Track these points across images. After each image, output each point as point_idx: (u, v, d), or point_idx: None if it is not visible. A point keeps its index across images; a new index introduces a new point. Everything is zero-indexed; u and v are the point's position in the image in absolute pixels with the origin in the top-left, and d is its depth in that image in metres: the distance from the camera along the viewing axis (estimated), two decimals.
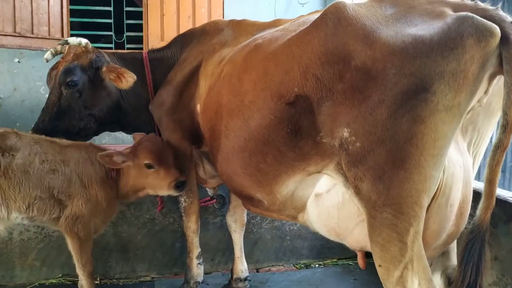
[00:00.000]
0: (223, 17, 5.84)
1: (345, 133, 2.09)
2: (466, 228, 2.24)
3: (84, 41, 3.50)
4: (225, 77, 2.79)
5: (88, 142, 3.53)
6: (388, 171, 2.00)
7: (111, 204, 3.27)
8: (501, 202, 2.82)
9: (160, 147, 3.26)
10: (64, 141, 3.26)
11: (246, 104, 2.50)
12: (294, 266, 4.53)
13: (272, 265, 4.54)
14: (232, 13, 5.89)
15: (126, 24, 5.90)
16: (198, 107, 3.26)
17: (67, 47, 3.59)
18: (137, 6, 6.11)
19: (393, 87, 1.95)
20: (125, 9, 5.90)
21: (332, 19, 2.16)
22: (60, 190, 3.06)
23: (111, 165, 3.16)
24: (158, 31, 5.63)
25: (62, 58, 3.59)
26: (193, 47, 3.52)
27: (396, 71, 1.95)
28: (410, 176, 1.98)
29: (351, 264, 4.52)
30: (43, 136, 3.23)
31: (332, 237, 2.56)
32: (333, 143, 2.17)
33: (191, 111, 3.29)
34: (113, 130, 3.99)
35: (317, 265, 4.55)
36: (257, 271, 4.44)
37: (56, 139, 3.26)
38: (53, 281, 4.07)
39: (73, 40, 3.50)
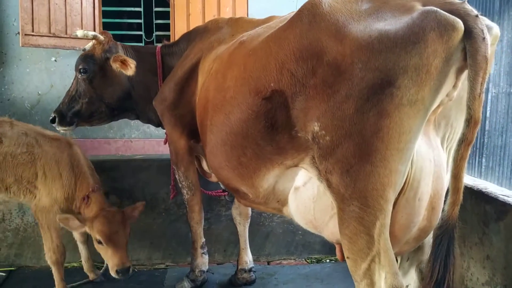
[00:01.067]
0: (248, 16, 5.95)
1: (316, 127, 2.14)
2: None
3: (91, 33, 3.80)
4: (213, 74, 2.90)
5: (70, 137, 3.82)
6: (355, 165, 2.03)
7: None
8: (491, 199, 2.75)
9: (116, 226, 3.37)
10: (50, 134, 3.57)
11: (227, 99, 2.59)
12: (306, 261, 4.58)
13: (284, 259, 4.61)
14: (256, 11, 5.99)
15: (155, 24, 6.13)
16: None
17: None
18: (165, 6, 6.34)
19: (360, 82, 1.98)
20: (154, 10, 6.13)
21: (307, 15, 2.21)
22: (29, 181, 3.38)
23: (68, 227, 3.44)
24: (184, 30, 5.78)
25: None
26: (195, 44, 3.66)
27: (362, 66, 1.97)
28: (376, 169, 2.00)
29: None
30: (36, 127, 3.57)
31: (310, 229, 2.60)
32: (307, 137, 2.22)
33: (192, 107, 3.42)
34: (129, 117, 4.24)
35: (328, 260, 4.58)
36: (268, 264, 4.53)
37: (46, 131, 3.58)
38: (75, 264, 4.36)
39: (80, 33, 3.80)
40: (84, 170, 3.56)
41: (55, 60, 5.69)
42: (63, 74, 5.75)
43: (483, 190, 2.89)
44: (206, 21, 5.82)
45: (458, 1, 1.99)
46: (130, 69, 3.62)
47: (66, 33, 5.45)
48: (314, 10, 2.19)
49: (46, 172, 3.38)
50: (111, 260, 3.35)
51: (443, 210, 2.05)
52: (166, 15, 6.04)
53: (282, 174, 2.51)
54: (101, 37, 3.83)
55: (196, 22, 5.85)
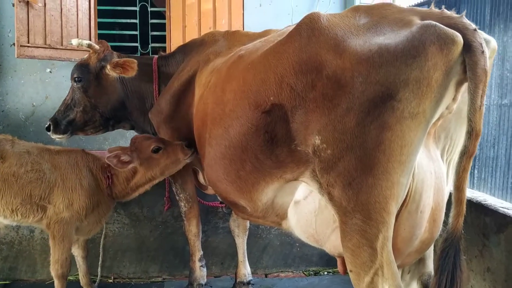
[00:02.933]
0: (243, 28, 5.96)
1: (317, 141, 2.13)
2: (440, 236, 2.25)
3: (85, 42, 3.82)
4: (211, 87, 2.89)
5: (80, 148, 3.76)
6: (357, 178, 2.03)
7: (101, 206, 3.47)
8: (491, 211, 2.76)
9: (149, 136, 3.52)
10: (56, 148, 3.50)
11: (227, 112, 2.58)
12: (303, 273, 4.56)
13: (281, 271, 4.59)
14: (252, 24, 6.00)
15: (151, 35, 6.13)
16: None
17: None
18: (161, 18, 6.35)
19: (360, 95, 1.99)
20: (150, 21, 6.14)
21: (306, 30, 2.22)
22: (42, 196, 3.28)
23: (119, 166, 3.32)
24: (180, 42, 5.80)
25: None
26: (192, 57, 3.67)
27: (363, 79, 1.98)
28: (378, 182, 2.00)
29: None
30: (38, 144, 3.50)
31: (311, 243, 2.59)
32: (307, 150, 2.21)
33: (189, 119, 3.42)
34: (125, 128, 4.22)
35: (326, 273, 4.56)
36: (266, 277, 4.50)
37: (50, 147, 3.51)
38: (71, 278, 4.29)
39: (75, 41, 3.82)
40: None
41: (50, 72, 5.65)
42: (58, 86, 5.70)
43: (483, 202, 2.90)
44: (202, 33, 5.85)
45: (456, 15, 2.02)
46: (132, 70, 3.61)
47: (62, 45, 5.41)
48: (312, 25, 2.21)
49: (63, 184, 3.32)
50: (175, 149, 3.39)
51: (447, 223, 2.04)
52: (162, 27, 6.04)
53: (281, 188, 2.50)
54: (96, 46, 3.83)
55: (192, 34, 5.86)
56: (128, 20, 6.11)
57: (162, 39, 6.18)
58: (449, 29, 1.89)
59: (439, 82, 1.91)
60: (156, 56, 4.01)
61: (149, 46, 6.11)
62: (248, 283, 3.97)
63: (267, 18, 6.11)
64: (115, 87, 3.82)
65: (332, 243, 2.43)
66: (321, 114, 2.11)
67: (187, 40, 5.83)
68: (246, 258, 4.03)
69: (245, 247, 4.03)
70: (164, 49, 6.04)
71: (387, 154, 1.98)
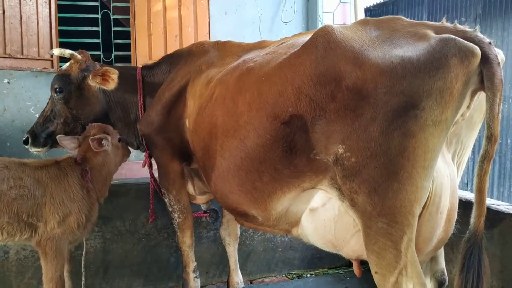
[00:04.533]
0: (209, 36, 5.98)
1: (340, 149, 2.21)
2: (453, 234, 2.41)
3: (67, 51, 3.68)
4: (218, 99, 2.88)
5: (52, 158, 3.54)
6: (383, 184, 2.12)
7: (91, 210, 3.37)
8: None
9: (105, 125, 3.61)
10: (35, 162, 3.31)
11: (241, 124, 2.59)
12: (287, 277, 4.64)
13: (265, 276, 4.65)
14: (218, 32, 6.04)
15: (114, 43, 5.97)
16: (188, 126, 3.36)
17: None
18: (122, 26, 6.22)
19: (384, 105, 2.08)
20: (112, 29, 5.98)
21: (322, 42, 2.27)
22: (30, 214, 3.09)
23: (98, 148, 3.34)
24: (146, 50, 5.74)
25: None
26: (180, 68, 3.63)
27: (387, 90, 2.07)
28: (403, 187, 2.10)
29: (341, 273, 4.65)
30: (14, 159, 3.27)
31: (328, 248, 2.66)
32: (327, 159, 2.28)
33: (180, 130, 3.40)
34: None
35: (308, 275, 4.67)
36: (251, 283, 4.53)
37: (27, 161, 3.30)
38: None
39: (57, 51, 3.70)
40: None
41: (8, 82, 5.34)
42: (17, 97, 5.40)
43: (473, 200, 3.11)
44: (168, 41, 5.82)
45: (470, 29, 2.18)
46: (112, 82, 3.54)
47: (22, 54, 5.16)
48: (328, 37, 2.27)
49: (51, 199, 3.15)
50: (123, 145, 3.67)
51: (469, 223, 2.17)
52: (125, 35, 5.92)
53: (297, 196, 2.55)
54: (78, 56, 3.70)
55: (158, 42, 5.79)
56: (90, 28, 5.91)
57: (125, 47, 6.05)
58: (469, 43, 2.04)
59: (460, 91, 2.05)
60: (139, 67, 3.92)
61: (112, 54, 5.95)
62: None
63: (233, 26, 6.17)
64: (98, 98, 3.70)
65: (351, 247, 2.52)
66: (344, 124, 2.19)
67: (153, 48, 5.78)
68: (238, 266, 4.04)
69: (237, 255, 4.04)
70: (128, 57, 5.91)
71: (412, 160, 2.09)
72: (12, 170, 3.11)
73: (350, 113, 2.17)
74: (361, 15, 5.93)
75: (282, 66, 2.47)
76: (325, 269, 4.76)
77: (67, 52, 3.65)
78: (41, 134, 3.69)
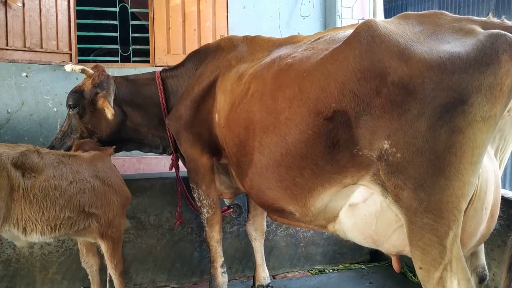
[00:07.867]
0: (228, 30, 5.96)
1: (386, 145, 2.20)
2: (494, 231, 2.41)
3: (78, 67, 3.71)
4: (254, 95, 2.85)
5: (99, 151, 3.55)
6: (429, 179, 2.11)
7: None
8: None
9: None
10: (86, 155, 3.32)
11: (282, 121, 2.58)
12: (309, 272, 4.64)
13: (288, 272, 4.64)
14: (236, 26, 6.02)
15: (132, 37, 5.95)
16: (217, 121, 3.35)
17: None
18: (141, 20, 6.20)
19: (432, 100, 2.07)
20: (130, 23, 5.95)
21: (365, 37, 2.26)
22: (91, 205, 3.06)
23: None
24: (164, 45, 5.72)
25: None
26: (208, 62, 3.62)
27: (435, 85, 2.06)
28: (451, 183, 2.09)
29: (364, 268, 4.66)
30: (66, 153, 3.29)
31: (367, 244, 2.65)
32: (371, 154, 2.27)
33: (209, 124, 3.40)
34: (128, 149, 4.10)
35: (330, 270, 4.67)
36: (274, 278, 4.53)
37: (78, 154, 3.32)
38: None
39: (68, 67, 3.70)
40: None
41: (26, 76, 5.32)
42: (35, 91, 5.38)
43: (505, 196, 3.12)
44: (186, 35, 5.80)
45: None
46: (109, 113, 3.54)
47: (41, 47, 5.14)
48: (372, 32, 2.26)
49: (111, 187, 3.21)
50: None
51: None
52: (143, 29, 5.90)
53: (337, 192, 2.54)
54: (90, 71, 3.74)
55: (176, 36, 5.78)
56: (108, 22, 5.88)
57: (143, 41, 6.04)
58: None
59: (510, 87, 2.04)
60: (158, 71, 3.93)
61: (130, 48, 5.93)
62: (267, 286, 4.00)
63: (251, 20, 6.16)
64: (114, 111, 3.68)
65: (392, 243, 2.52)
66: (390, 120, 2.17)
67: (171, 42, 5.77)
68: (264, 261, 4.04)
69: (263, 250, 4.04)
70: (146, 51, 5.90)
71: (459, 156, 2.08)
72: (69, 165, 3.08)
73: (396, 108, 2.16)
74: (380, 10, 5.90)
75: (324, 61, 2.46)
76: (347, 265, 4.76)
77: (77, 67, 3.68)
78: (60, 149, 3.74)
